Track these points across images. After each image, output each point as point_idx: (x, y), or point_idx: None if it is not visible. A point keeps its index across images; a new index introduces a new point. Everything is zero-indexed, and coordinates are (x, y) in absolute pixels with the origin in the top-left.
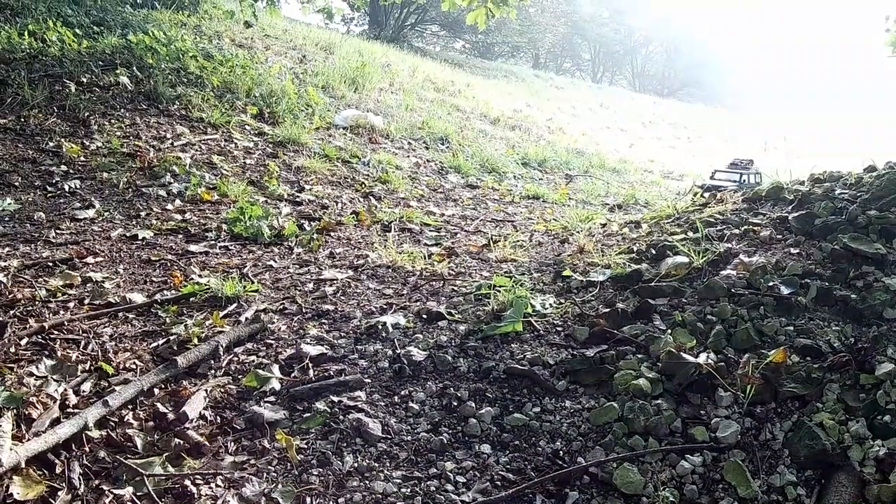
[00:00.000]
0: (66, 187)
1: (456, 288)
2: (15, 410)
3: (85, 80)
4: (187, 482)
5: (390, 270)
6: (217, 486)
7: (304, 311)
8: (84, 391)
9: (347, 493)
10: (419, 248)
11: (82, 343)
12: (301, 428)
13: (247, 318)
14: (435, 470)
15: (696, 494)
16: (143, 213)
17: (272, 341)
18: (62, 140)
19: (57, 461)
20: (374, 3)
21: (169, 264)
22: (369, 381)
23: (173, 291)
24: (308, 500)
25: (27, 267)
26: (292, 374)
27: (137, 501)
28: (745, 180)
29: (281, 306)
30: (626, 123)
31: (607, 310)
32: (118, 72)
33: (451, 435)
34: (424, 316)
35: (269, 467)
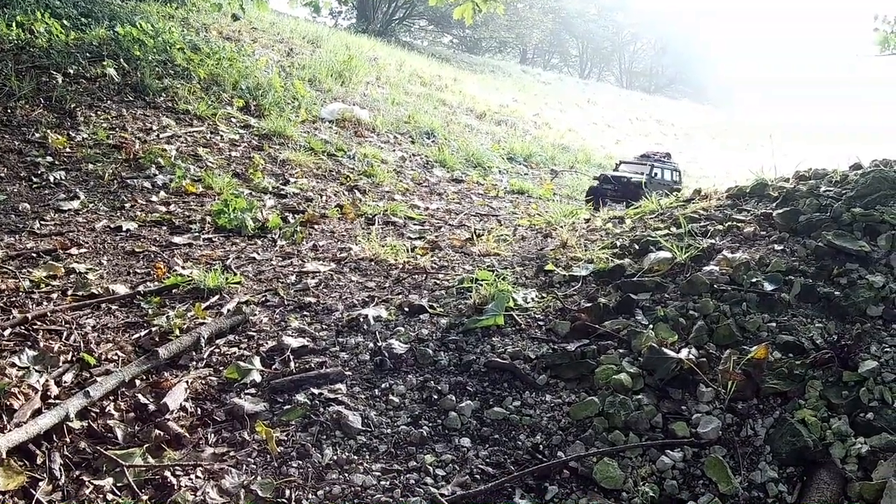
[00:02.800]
0: (52, 178)
1: (438, 281)
2: None
3: (72, 71)
4: (167, 473)
5: (373, 263)
6: (197, 477)
7: (286, 303)
8: (66, 382)
9: (326, 486)
10: (403, 241)
11: (65, 334)
12: (281, 420)
13: (229, 310)
14: (414, 463)
15: (676, 490)
16: (127, 205)
17: (254, 333)
18: (48, 131)
19: (38, 452)
20: None
21: (152, 256)
22: (350, 373)
23: (156, 283)
24: (287, 492)
25: (11, 258)
26: (273, 366)
27: (118, 492)
28: (655, 175)
29: (263, 298)
30: (613, 120)
31: (589, 304)
32: (105, 63)
33: (431, 428)
34: (406, 309)
35: (249, 459)
